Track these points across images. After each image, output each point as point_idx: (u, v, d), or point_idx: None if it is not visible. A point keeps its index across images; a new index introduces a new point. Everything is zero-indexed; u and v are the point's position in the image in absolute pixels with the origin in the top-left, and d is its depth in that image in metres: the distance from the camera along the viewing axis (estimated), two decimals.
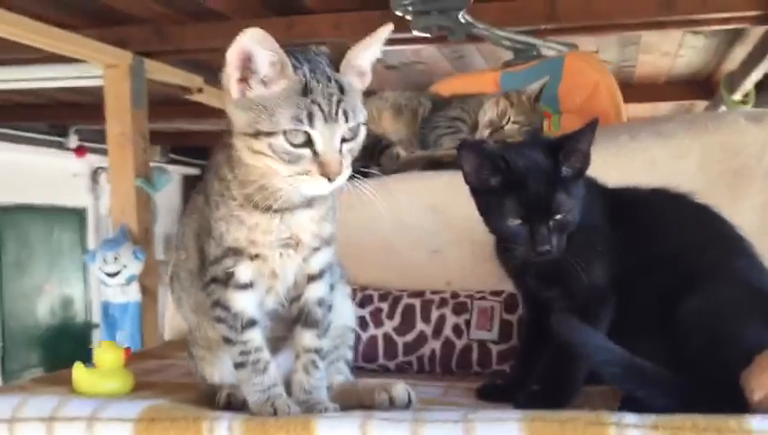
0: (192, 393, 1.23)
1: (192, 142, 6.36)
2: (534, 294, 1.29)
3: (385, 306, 1.62)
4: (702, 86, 4.64)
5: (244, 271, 1.10)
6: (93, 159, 5.85)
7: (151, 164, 3.89)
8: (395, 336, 1.59)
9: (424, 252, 1.70)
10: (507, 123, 1.93)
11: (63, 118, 5.55)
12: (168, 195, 4.82)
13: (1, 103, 5.15)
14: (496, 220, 1.21)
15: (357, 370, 1.60)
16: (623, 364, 1.06)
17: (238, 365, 1.11)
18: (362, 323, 1.60)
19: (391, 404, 1.12)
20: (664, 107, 4.95)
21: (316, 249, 1.13)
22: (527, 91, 1.98)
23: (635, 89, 4.74)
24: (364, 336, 1.59)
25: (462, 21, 2.59)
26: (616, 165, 1.64)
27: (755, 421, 0.86)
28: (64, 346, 5.46)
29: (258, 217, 1.07)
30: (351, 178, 1.07)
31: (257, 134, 1.00)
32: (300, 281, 1.15)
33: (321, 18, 3.53)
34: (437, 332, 1.58)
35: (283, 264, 1.11)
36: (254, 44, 0.99)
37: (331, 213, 1.15)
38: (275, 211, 1.06)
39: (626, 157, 1.66)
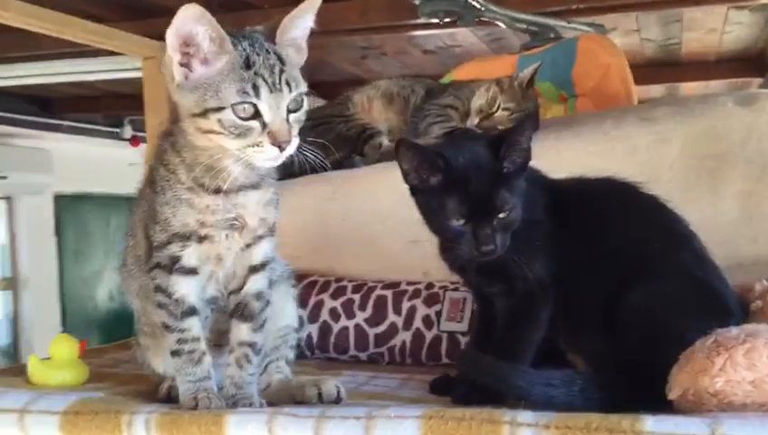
0: (142, 386, 1.27)
1: None
2: (478, 290, 1.27)
3: (357, 298, 1.62)
4: (754, 63, 4.42)
5: (190, 255, 1.12)
6: None
7: None
8: (366, 327, 1.59)
9: (402, 242, 1.69)
10: (497, 110, 1.88)
11: (118, 109, 5.73)
12: None
13: (59, 96, 5.36)
14: (439, 221, 1.19)
15: (329, 361, 1.62)
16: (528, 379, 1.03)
17: (174, 353, 1.13)
18: (334, 314, 1.61)
19: (320, 399, 1.12)
20: (715, 85, 4.74)
21: (260, 237, 1.15)
22: (519, 77, 1.93)
23: (684, 67, 4.56)
24: (335, 327, 1.60)
25: (473, 5, 2.54)
26: (596, 152, 1.61)
27: (649, 422, 0.83)
28: (122, 330, 5.66)
29: (208, 199, 1.09)
30: (300, 149, 1.09)
31: (205, 112, 1.03)
32: (240, 272, 1.16)
33: (349, 5, 3.53)
34: (408, 323, 1.57)
35: (229, 246, 1.13)
36: (192, 22, 1.01)
37: (275, 199, 1.16)
38: (224, 192, 1.09)
39: (608, 144, 1.61)
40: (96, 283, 5.94)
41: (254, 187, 1.12)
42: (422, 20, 2.62)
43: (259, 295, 1.16)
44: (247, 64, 1.02)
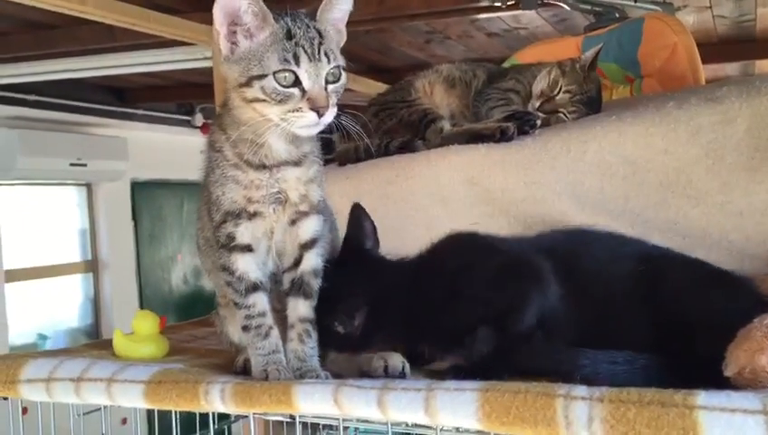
0: (218, 359, 1.34)
1: None
2: None
3: None
4: None
5: (243, 232, 1.17)
6: None
7: None
8: None
9: (462, 225, 1.72)
10: (559, 93, 1.89)
11: (189, 98, 5.92)
12: None
13: (133, 86, 5.56)
14: None
15: None
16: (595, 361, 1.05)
17: (244, 329, 1.19)
18: None
19: (385, 372, 1.17)
20: None
21: (304, 213, 1.20)
22: (581, 60, 1.93)
23: (759, 44, 4.43)
24: None
25: None
26: (658, 133, 1.60)
27: (701, 396, 0.84)
28: (196, 313, 5.86)
29: (252, 175, 1.16)
30: (338, 118, 1.16)
31: (250, 80, 1.10)
32: (291, 249, 1.21)
33: None
34: None
35: (277, 219, 1.19)
36: None
37: (318, 177, 1.21)
38: (266, 167, 1.15)
39: (670, 125, 1.59)
40: (171, 266, 6.16)
41: (296, 163, 1.17)
42: (485, 2, 2.62)
43: (316, 272, 1.21)
44: (288, 36, 1.09)
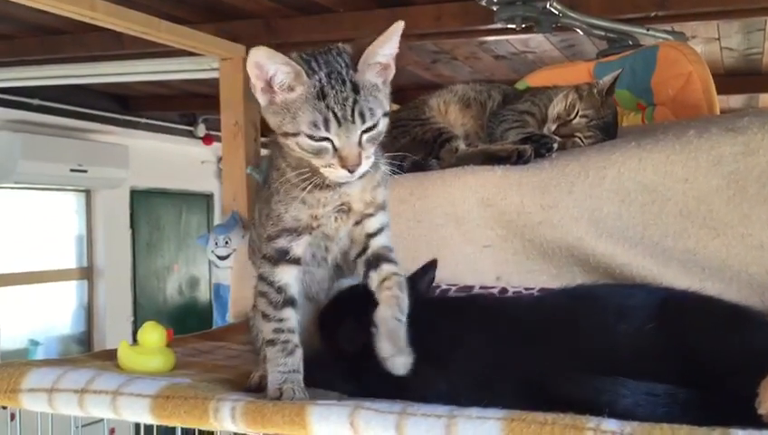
0: (227, 374, 1.31)
1: None
2: None
3: None
4: None
5: (298, 245, 1.18)
6: (220, 147, 6.17)
7: (262, 153, 4.07)
8: None
9: (476, 246, 1.70)
10: (575, 117, 1.87)
11: (193, 108, 5.90)
12: None
13: (137, 94, 5.54)
14: None
15: None
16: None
17: (269, 342, 1.16)
18: None
19: None
20: None
21: (369, 215, 1.20)
22: (599, 85, 1.91)
23: (765, 78, 4.44)
24: None
25: (551, 10, 2.53)
26: (678, 161, 1.58)
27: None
28: (191, 324, 5.83)
29: (318, 194, 1.16)
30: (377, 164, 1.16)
31: (285, 135, 1.11)
32: (358, 239, 1.21)
33: (423, 9, 3.55)
34: None
35: (338, 227, 1.19)
36: (264, 61, 1.08)
37: (384, 180, 1.22)
38: (328, 186, 1.15)
39: (690, 153, 1.57)
40: (166, 276, 6.11)
41: (360, 176, 1.15)
42: (499, 25, 2.61)
43: (388, 247, 1.21)
44: (321, 95, 1.07)
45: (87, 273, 5.69)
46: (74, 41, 3.98)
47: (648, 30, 2.87)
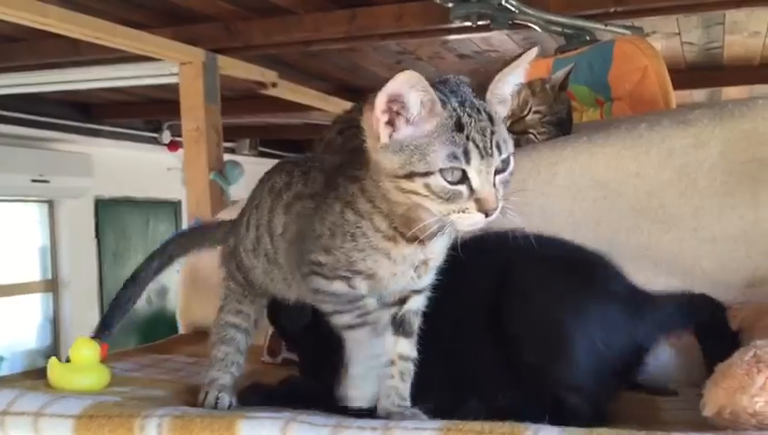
0: (163, 389, 1.26)
1: (280, 135, 6.51)
2: None
3: None
4: None
5: (361, 284, 1.08)
6: None
7: (225, 158, 4.00)
8: None
9: None
10: (528, 113, 1.84)
11: (157, 114, 5.82)
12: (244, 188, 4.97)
13: (99, 102, 5.45)
14: None
15: None
16: None
17: (353, 326, 1.08)
18: None
19: None
20: (759, 90, 4.62)
21: (433, 268, 1.11)
22: (551, 80, 1.88)
23: (726, 71, 4.46)
24: None
25: (507, 7, 2.50)
26: (630, 156, 1.55)
27: None
28: (160, 333, 5.73)
29: (406, 250, 1.05)
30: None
31: (411, 175, 0.97)
32: (403, 294, 1.13)
33: (384, 9, 3.51)
34: None
35: (396, 280, 1.09)
36: (406, 87, 0.95)
37: None
38: (418, 240, 1.03)
39: (642, 147, 1.55)
40: None
41: (444, 232, 1.05)
42: (456, 24, 2.58)
43: (417, 312, 1.13)
44: (458, 127, 0.96)
45: (52, 285, 5.58)
46: (29, 48, 3.89)
47: (605, 25, 2.86)
